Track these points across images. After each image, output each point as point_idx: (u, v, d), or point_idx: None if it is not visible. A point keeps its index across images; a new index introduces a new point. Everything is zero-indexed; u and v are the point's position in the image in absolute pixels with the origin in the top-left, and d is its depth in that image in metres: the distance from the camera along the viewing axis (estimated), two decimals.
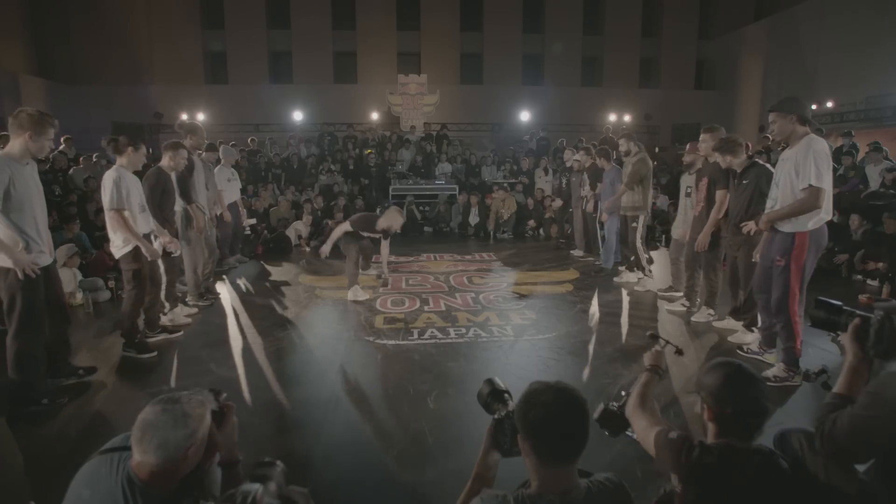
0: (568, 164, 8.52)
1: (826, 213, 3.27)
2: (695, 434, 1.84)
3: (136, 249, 3.85)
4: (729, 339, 4.23)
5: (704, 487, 1.41)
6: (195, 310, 5.01)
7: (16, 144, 2.96)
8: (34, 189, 3.05)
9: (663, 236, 8.12)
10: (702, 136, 4.73)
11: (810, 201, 3.16)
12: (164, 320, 4.50)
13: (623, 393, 1.91)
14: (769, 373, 3.44)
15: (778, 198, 3.39)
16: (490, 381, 1.68)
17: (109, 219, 3.76)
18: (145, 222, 4.04)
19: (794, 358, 3.42)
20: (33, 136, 2.95)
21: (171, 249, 4.42)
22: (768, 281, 3.52)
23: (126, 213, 3.74)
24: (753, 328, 4.17)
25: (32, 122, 2.93)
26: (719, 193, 4.44)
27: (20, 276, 2.93)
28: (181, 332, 4.40)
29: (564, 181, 8.55)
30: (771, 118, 3.34)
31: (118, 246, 3.84)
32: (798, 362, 3.43)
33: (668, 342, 2.03)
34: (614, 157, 6.60)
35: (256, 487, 1.23)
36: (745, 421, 1.46)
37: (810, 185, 3.13)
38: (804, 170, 3.14)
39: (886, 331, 1.53)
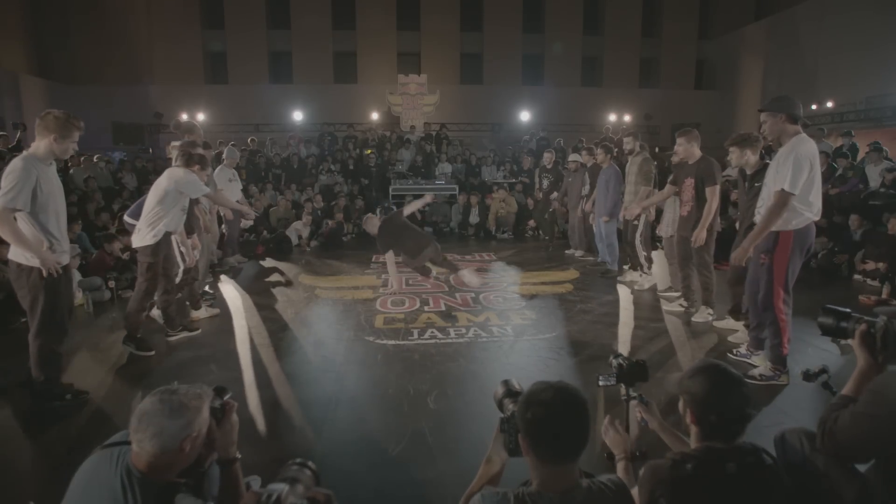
0: (548, 166, 8.55)
1: (813, 213, 3.26)
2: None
3: (158, 244, 3.98)
4: (729, 339, 4.23)
5: (689, 497, 1.40)
6: (216, 311, 5.06)
7: (41, 145, 2.97)
8: (56, 189, 3.08)
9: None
10: (678, 141, 4.76)
11: (778, 206, 3.15)
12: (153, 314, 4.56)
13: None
14: (755, 371, 3.44)
15: (765, 196, 3.41)
16: (506, 382, 1.70)
17: (154, 216, 3.99)
18: (179, 222, 4.24)
19: (781, 356, 3.40)
20: (58, 139, 2.96)
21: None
22: (758, 280, 3.53)
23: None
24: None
25: (59, 124, 2.95)
26: (710, 190, 4.46)
27: (44, 274, 2.96)
28: (200, 330, 4.43)
29: (546, 182, 8.54)
30: (762, 118, 3.34)
31: (143, 235, 3.97)
32: (785, 361, 3.41)
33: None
34: (615, 153, 6.59)
35: (282, 487, 1.24)
36: (729, 426, 1.46)
37: (782, 190, 3.13)
38: (782, 172, 3.15)
39: (891, 335, 1.53)
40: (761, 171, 3.97)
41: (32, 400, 3.12)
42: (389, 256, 5.46)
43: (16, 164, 2.88)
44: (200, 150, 4.40)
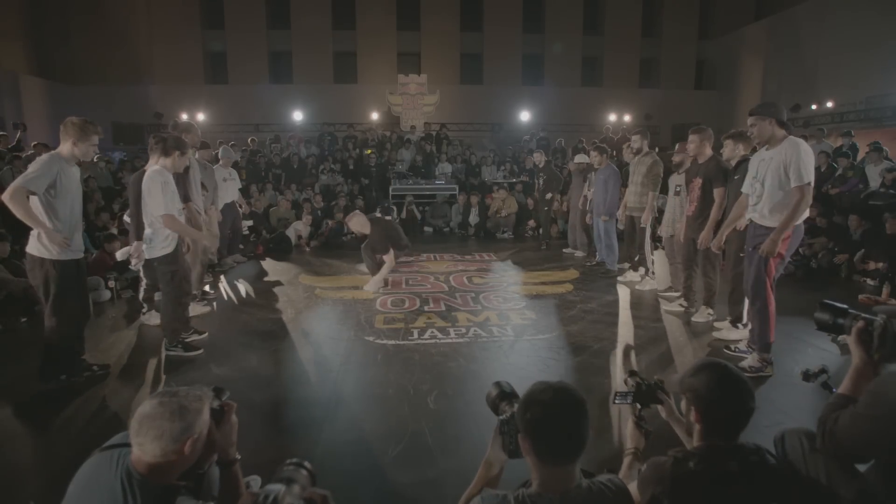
0: (540, 165, 8.57)
1: (807, 212, 3.40)
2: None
3: (176, 251, 3.93)
4: (714, 334, 4.30)
5: (690, 494, 1.40)
6: (206, 309, 5.04)
7: (64, 148, 3.27)
8: (75, 189, 3.35)
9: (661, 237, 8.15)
10: (690, 137, 4.75)
11: (805, 199, 3.27)
12: (143, 319, 4.66)
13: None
14: (744, 364, 3.49)
15: (764, 195, 3.44)
16: (498, 384, 1.69)
17: (158, 223, 3.82)
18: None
19: (767, 343, 3.47)
20: (77, 143, 3.25)
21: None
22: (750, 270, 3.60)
23: (175, 216, 3.87)
24: (739, 324, 4.21)
25: (76, 129, 3.24)
26: (717, 191, 4.46)
27: (55, 250, 3.16)
28: (206, 334, 4.34)
29: (542, 181, 8.57)
30: (750, 121, 3.43)
31: (158, 246, 3.87)
32: (770, 348, 3.48)
33: (646, 427, 1.86)
34: (612, 154, 6.62)
35: (279, 488, 1.23)
36: (733, 422, 1.46)
37: (807, 184, 3.24)
38: (796, 169, 3.24)
39: (889, 335, 1.53)
40: (739, 164, 4.13)
41: (39, 380, 3.31)
42: (390, 258, 5.74)
43: (43, 157, 3.23)
44: (173, 134, 4.30)
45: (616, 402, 1.84)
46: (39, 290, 3.30)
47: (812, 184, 3.26)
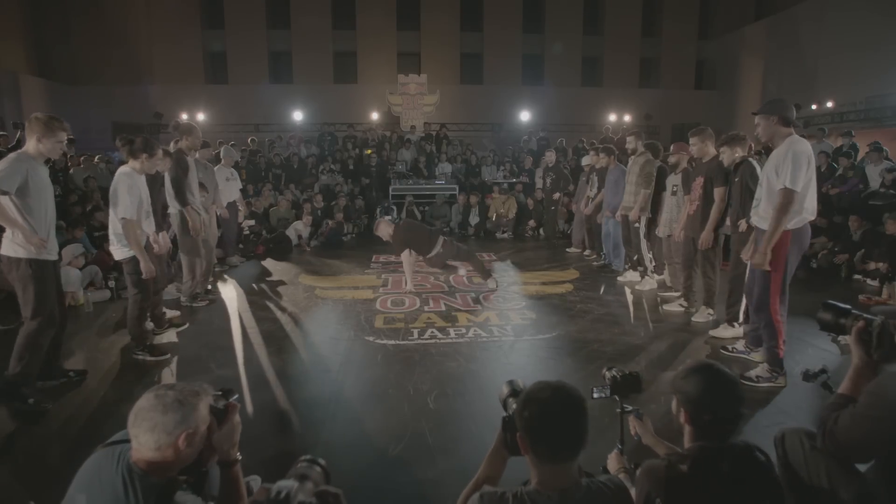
0: (550, 165, 8.59)
1: (809, 213, 3.26)
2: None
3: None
4: (710, 332, 4.29)
5: (683, 496, 1.41)
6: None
7: (30, 146, 3.15)
8: (46, 188, 3.21)
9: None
10: (691, 140, 4.75)
11: (785, 204, 3.15)
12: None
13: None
14: (752, 373, 3.43)
15: (762, 196, 3.40)
16: (510, 382, 1.70)
17: (120, 225, 3.72)
18: (149, 226, 4.05)
19: (777, 358, 3.38)
20: (43, 140, 3.12)
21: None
22: (753, 280, 3.53)
23: (135, 222, 3.72)
24: (735, 324, 4.21)
25: (40, 125, 3.10)
26: (718, 191, 4.46)
27: (34, 247, 3.05)
28: (187, 325, 4.35)
29: (549, 180, 8.60)
30: (756, 121, 3.37)
31: (126, 247, 3.80)
32: (782, 363, 3.39)
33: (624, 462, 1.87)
34: (617, 154, 6.67)
35: (291, 484, 1.23)
36: (723, 426, 1.47)
37: (784, 187, 3.13)
38: (782, 171, 3.15)
39: (886, 334, 1.54)
40: (738, 165, 4.11)
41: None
42: (405, 256, 5.73)
43: (10, 156, 3.12)
44: (144, 136, 4.10)
45: (594, 396, 1.86)
46: (18, 292, 3.17)
47: (796, 190, 3.11)
